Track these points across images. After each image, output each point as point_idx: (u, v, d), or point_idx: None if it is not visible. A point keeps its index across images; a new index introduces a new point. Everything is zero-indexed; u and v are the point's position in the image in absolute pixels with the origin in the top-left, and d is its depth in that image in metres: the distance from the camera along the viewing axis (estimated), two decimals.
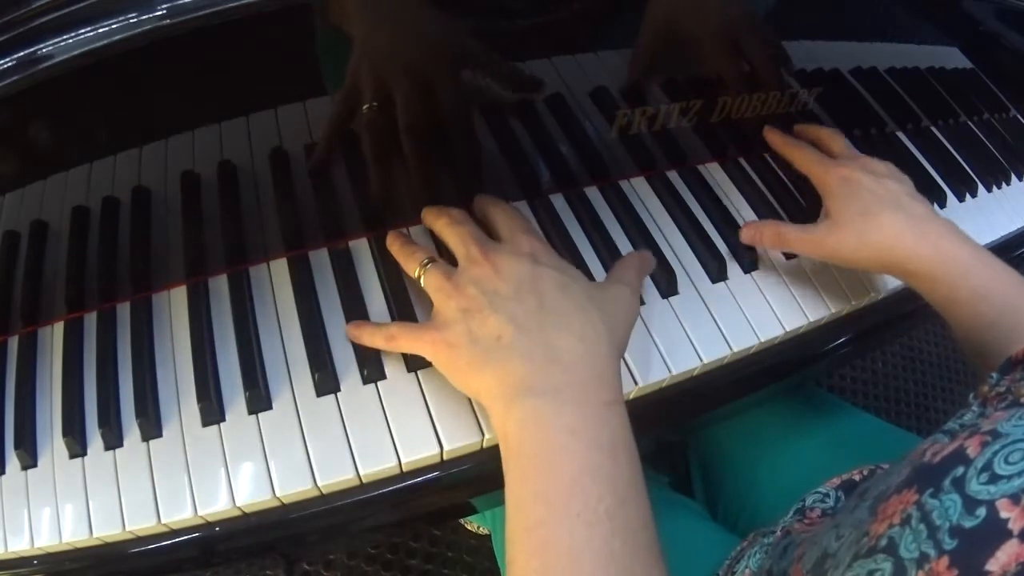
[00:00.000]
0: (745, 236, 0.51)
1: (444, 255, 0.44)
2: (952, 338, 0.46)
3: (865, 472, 0.51)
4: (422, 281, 0.42)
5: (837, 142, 0.54)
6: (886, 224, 0.45)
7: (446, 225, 0.43)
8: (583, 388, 0.36)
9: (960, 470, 0.26)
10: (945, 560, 0.24)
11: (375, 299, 0.45)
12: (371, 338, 0.42)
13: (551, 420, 0.34)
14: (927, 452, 0.29)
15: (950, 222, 0.46)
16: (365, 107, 0.40)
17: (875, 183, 0.47)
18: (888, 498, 0.28)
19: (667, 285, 0.48)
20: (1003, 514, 0.23)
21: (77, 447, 0.40)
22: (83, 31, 0.31)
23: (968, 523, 0.24)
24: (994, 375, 0.36)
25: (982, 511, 0.24)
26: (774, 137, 0.56)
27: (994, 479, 0.24)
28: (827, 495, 0.50)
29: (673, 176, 0.55)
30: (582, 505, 0.32)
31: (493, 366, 0.36)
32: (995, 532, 0.23)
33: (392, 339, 0.41)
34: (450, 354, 0.38)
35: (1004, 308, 0.42)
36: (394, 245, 0.45)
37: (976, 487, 0.25)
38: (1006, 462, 0.25)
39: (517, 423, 0.35)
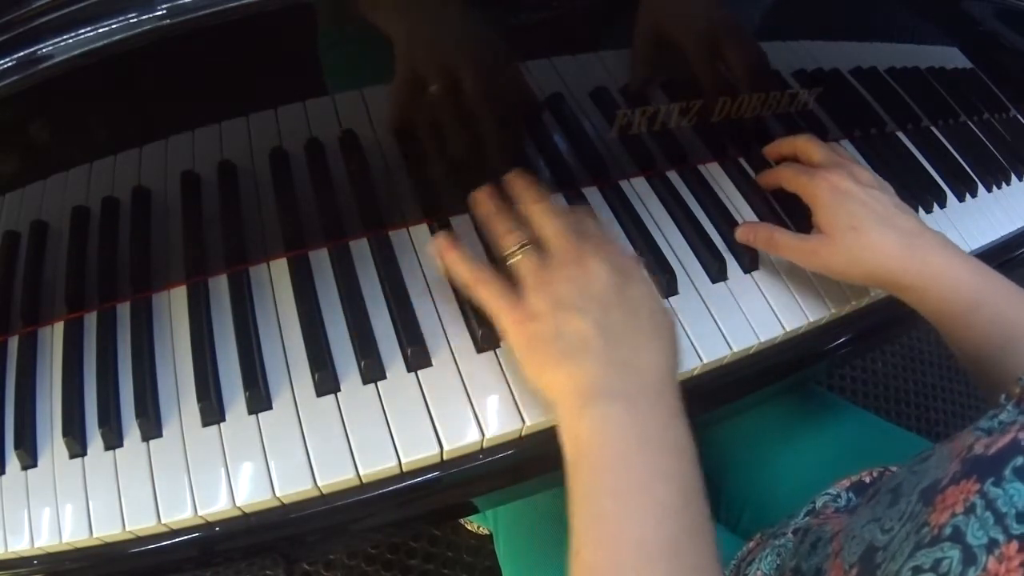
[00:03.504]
0: (740, 234, 0.51)
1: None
2: (949, 347, 0.46)
3: (875, 474, 0.51)
4: (515, 262, 0.42)
5: (815, 150, 0.53)
6: (877, 241, 0.45)
7: (544, 211, 0.43)
8: (655, 397, 0.37)
9: (1020, 460, 0.27)
10: (1015, 544, 0.24)
11: (375, 299, 0.45)
12: (460, 266, 0.42)
13: (626, 424, 0.36)
14: (975, 446, 0.29)
15: (939, 234, 0.46)
16: (429, 90, 0.41)
17: (863, 193, 0.47)
18: (945, 489, 0.29)
19: (667, 285, 0.48)
20: None
21: (77, 447, 0.40)
22: (83, 31, 0.31)
23: None
24: (1023, 378, 0.36)
25: None
26: (762, 178, 0.55)
27: None
28: (838, 496, 0.50)
29: (673, 176, 0.55)
30: (651, 501, 0.34)
31: (572, 365, 0.38)
32: None
33: (481, 284, 0.41)
34: (531, 342, 0.39)
35: (995, 319, 0.43)
36: (487, 206, 0.45)
37: None
38: None
39: (591, 423, 0.36)
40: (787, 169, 0.52)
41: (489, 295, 0.41)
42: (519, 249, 0.42)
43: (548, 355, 0.38)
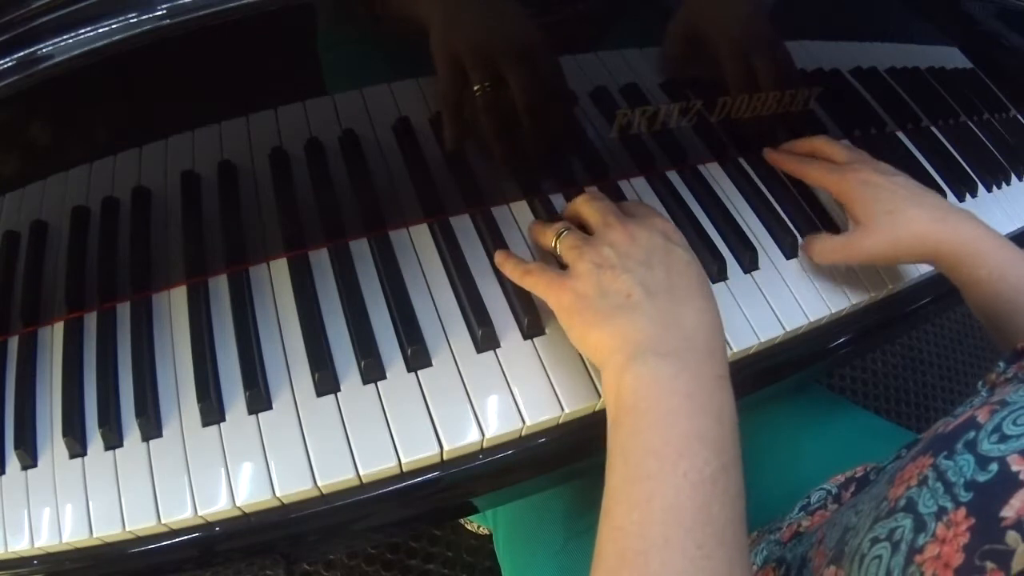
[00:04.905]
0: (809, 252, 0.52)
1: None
2: (954, 337, 0.47)
3: (868, 468, 0.51)
4: (558, 247, 0.44)
5: (838, 151, 0.55)
6: (913, 219, 0.47)
7: (583, 200, 0.46)
8: (699, 357, 0.37)
9: (972, 434, 0.28)
10: (963, 511, 0.25)
11: (375, 299, 0.45)
12: (512, 269, 0.45)
13: (669, 381, 0.36)
14: (939, 428, 0.31)
15: (966, 209, 0.49)
16: (476, 88, 0.42)
17: (889, 182, 0.50)
18: (904, 467, 0.30)
19: None
20: (1014, 467, 0.25)
21: (77, 447, 0.40)
22: (83, 31, 0.31)
23: (982, 477, 0.26)
24: (1001, 364, 0.37)
25: (994, 466, 0.26)
26: (777, 158, 0.57)
27: (1004, 439, 0.26)
28: (831, 492, 0.50)
29: (673, 176, 0.55)
30: (689, 465, 0.33)
31: (617, 321, 0.38)
32: (1008, 483, 0.25)
33: (528, 274, 0.43)
34: (577, 303, 0.39)
35: (1021, 287, 0.44)
36: (535, 226, 0.49)
37: (987, 446, 0.27)
38: (1014, 424, 0.27)
39: (634, 378, 0.36)
40: (813, 166, 0.54)
41: (534, 279, 0.43)
42: (558, 236, 0.44)
43: (593, 314, 0.39)
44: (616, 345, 0.38)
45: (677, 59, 0.48)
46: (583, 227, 0.46)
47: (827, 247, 0.51)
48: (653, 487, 0.33)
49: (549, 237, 0.45)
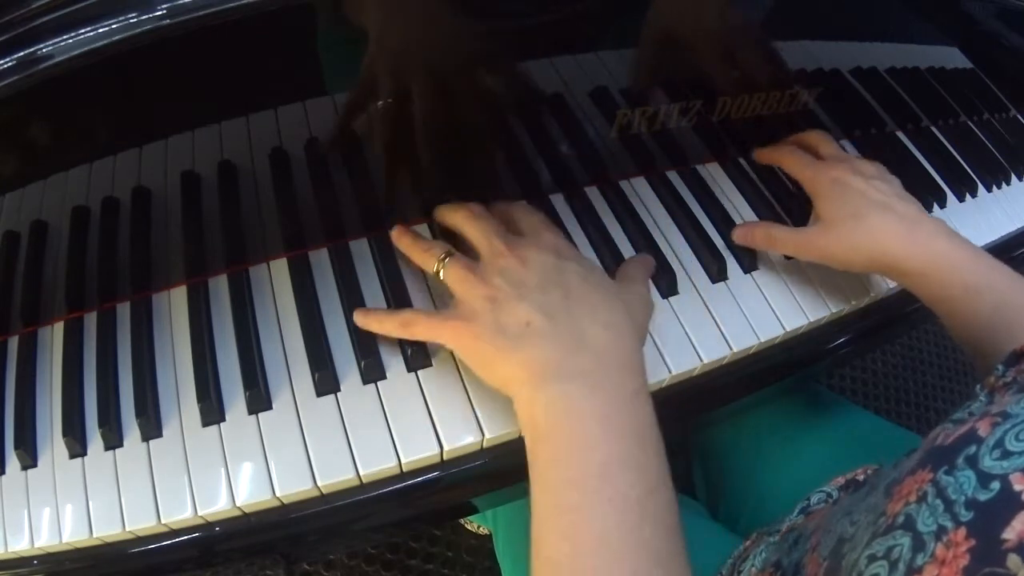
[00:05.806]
0: (737, 236, 0.51)
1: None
2: (951, 336, 0.46)
3: (869, 471, 0.51)
4: (441, 275, 0.41)
5: (825, 145, 0.54)
6: (876, 226, 0.45)
7: (466, 219, 0.43)
8: (611, 375, 0.36)
9: (972, 448, 0.27)
10: (963, 531, 0.24)
11: (375, 299, 0.45)
12: (381, 325, 0.41)
13: (580, 405, 0.35)
14: (938, 437, 0.30)
15: (940, 221, 0.46)
16: (380, 102, 0.40)
17: (865, 185, 0.47)
18: (903, 480, 0.29)
19: (667, 285, 0.48)
20: (1016, 487, 0.24)
21: (77, 447, 0.40)
22: (83, 31, 0.31)
23: (983, 496, 0.25)
24: (1000, 367, 0.36)
25: (996, 484, 0.25)
26: (762, 153, 0.56)
27: (1006, 455, 0.25)
28: (831, 494, 0.50)
29: (673, 176, 0.55)
30: (613, 491, 0.33)
31: (521, 352, 0.36)
32: (1010, 503, 0.24)
33: (408, 326, 0.40)
34: (476, 344, 0.38)
35: (998, 303, 0.42)
36: (403, 240, 0.44)
37: (989, 463, 0.26)
38: (1016, 439, 0.26)
39: (545, 407, 0.35)
40: (792, 155, 0.53)
41: (425, 328, 0.40)
42: (441, 263, 0.41)
43: (496, 351, 0.37)
44: (523, 376, 0.36)
45: (658, 60, 0.47)
46: (456, 240, 0.44)
47: (780, 236, 0.49)
48: (578, 518, 0.32)
49: (429, 262, 0.42)
